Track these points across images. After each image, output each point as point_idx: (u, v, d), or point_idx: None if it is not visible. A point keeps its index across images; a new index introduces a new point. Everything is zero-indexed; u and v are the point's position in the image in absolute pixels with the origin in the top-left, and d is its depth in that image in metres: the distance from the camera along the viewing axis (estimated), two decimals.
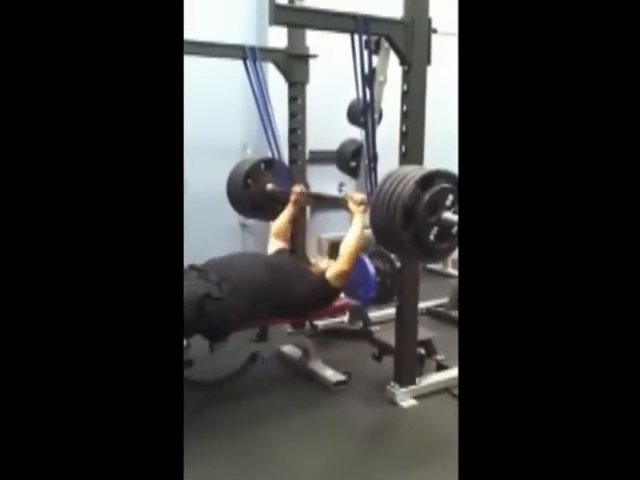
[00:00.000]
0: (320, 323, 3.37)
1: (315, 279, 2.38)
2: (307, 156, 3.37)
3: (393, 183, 1.86)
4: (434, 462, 2.14)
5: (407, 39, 2.33)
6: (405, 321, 2.63)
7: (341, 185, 3.84)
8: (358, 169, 3.38)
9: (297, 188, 2.79)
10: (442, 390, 2.70)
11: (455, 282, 3.82)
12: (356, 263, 2.37)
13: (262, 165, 3.05)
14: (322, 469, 2.12)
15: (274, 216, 2.86)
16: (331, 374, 2.80)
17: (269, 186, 3.04)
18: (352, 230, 2.35)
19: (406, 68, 2.40)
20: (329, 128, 3.58)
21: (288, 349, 3.11)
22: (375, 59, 2.78)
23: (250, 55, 2.92)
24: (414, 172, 1.87)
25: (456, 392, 2.61)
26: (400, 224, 1.81)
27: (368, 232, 2.52)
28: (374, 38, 2.52)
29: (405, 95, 2.42)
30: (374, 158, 2.51)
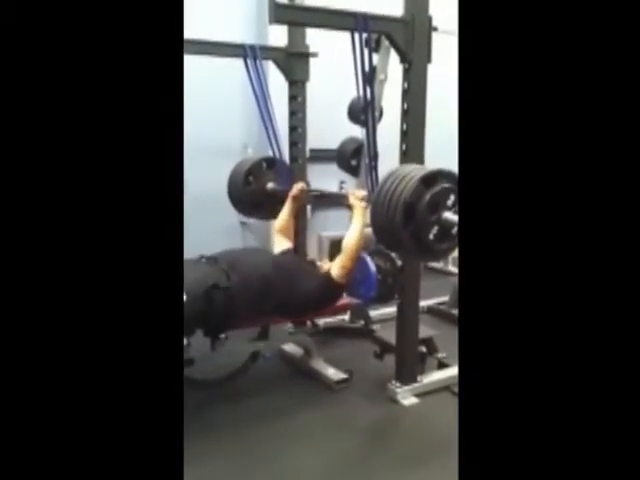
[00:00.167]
0: (321, 322, 3.37)
1: (319, 278, 2.38)
2: (307, 154, 3.36)
3: (394, 182, 1.86)
4: (435, 461, 2.14)
5: (407, 37, 2.33)
6: (406, 319, 2.63)
7: (342, 183, 3.85)
8: (359, 167, 3.38)
9: (298, 185, 2.81)
10: (443, 388, 2.71)
11: (456, 280, 3.82)
12: (358, 260, 2.38)
13: (264, 164, 3.05)
14: (323, 468, 2.12)
15: (274, 215, 2.86)
16: (332, 372, 2.81)
17: (270, 185, 3.04)
18: (353, 226, 2.35)
19: (406, 66, 2.39)
20: (329, 126, 3.58)
21: (289, 348, 3.12)
22: (375, 57, 2.78)
23: (250, 54, 2.92)
24: (416, 171, 1.87)
25: (457, 390, 2.61)
26: (400, 222, 1.82)
27: (368, 231, 2.52)
28: (374, 36, 2.52)
29: (405, 93, 2.42)
30: (375, 156, 2.51)
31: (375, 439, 2.37)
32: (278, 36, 3.27)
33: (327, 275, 2.36)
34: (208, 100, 3.75)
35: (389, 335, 2.75)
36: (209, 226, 3.82)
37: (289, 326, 3.25)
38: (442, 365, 2.84)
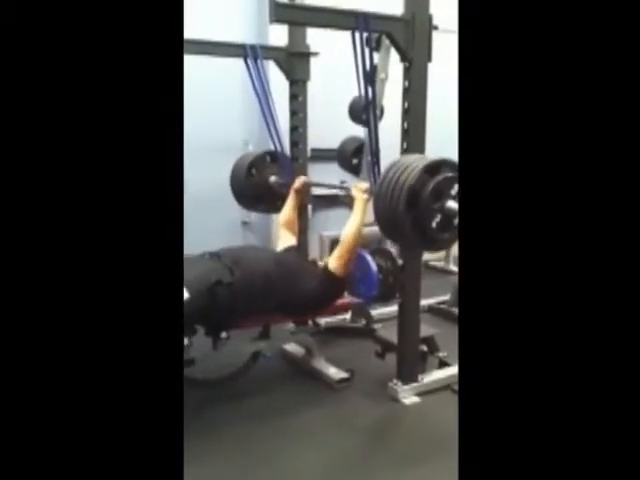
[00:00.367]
0: (322, 321, 3.37)
1: (319, 274, 2.38)
2: (308, 154, 3.36)
3: (398, 171, 1.87)
4: (436, 459, 2.14)
5: (408, 36, 2.33)
6: (407, 318, 2.63)
7: (342, 183, 3.83)
8: (359, 167, 3.38)
9: (300, 179, 2.82)
10: (444, 387, 2.70)
11: (456, 279, 3.81)
12: (357, 252, 2.38)
13: (267, 157, 3.07)
14: (324, 467, 2.12)
15: (275, 208, 2.89)
16: (334, 372, 2.81)
17: (272, 178, 3.05)
18: (353, 217, 2.35)
19: (407, 65, 2.39)
20: (330, 126, 3.58)
21: (291, 347, 3.12)
22: (376, 56, 2.77)
23: (251, 53, 2.92)
24: (419, 160, 1.89)
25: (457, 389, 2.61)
26: (403, 209, 1.82)
27: (369, 230, 2.53)
28: (375, 35, 2.52)
29: (406, 92, 2.42)
30: (376, 155, 2.51)
31: (376, 438, 2.37)
32: (279, 36, 3.27)
33: (325, 269, 2.36)
34: (208, 99, 3.76)
35: (390, 334, 2.75)
36: (210, 225, 3.83)
37: (290, 326, 3.25)
38: (443, 364, 2.84)
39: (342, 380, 2.75)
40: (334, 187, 2.88)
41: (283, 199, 2.88)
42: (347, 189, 2.54)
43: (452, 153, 1.78)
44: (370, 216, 2.14)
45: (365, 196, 2.36)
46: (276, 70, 3.21)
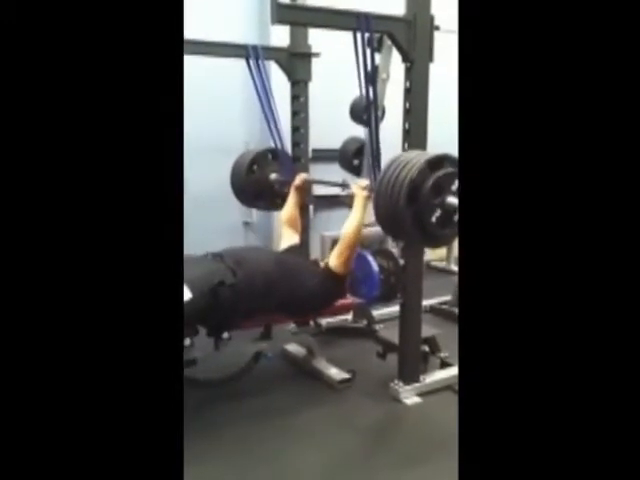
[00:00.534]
0: (324, 322, 3.37)
1: (320, 274, 2.38)
2: (310, 154, 3.37)
3: (398, 167, 1.88)
4: (437, 460, 2.14)
5: (409, 36, 2.33)
6: (409, 319, 2.63)
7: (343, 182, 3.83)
8: (361, 167, 3.38)
9: (301, 176, 2.82)
10: (446, 387, 2.70)
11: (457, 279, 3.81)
12: (359, 252, 2.38)
13: (269, 154, 3.08)
14: (325, 468, 2.12)
15: (275, 206, 2.89)
16: (335, 372, 2.80)
17: (273, 175, 3.06)
18: (353, 215, 2.35)
19: (408, 65, 2.39)
20: (332, 126, 3.57)
21: (292, 347, 3.12)
22: (377, 57, 2.77)
23: (253, 54, 2.92)
24: (420, 156, 1.89)
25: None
26: (404, 203, 1.82)
27: (369, 230, 2.53)
28: (376, 36, 2.51)
29: (408, 92, 2.42)
30: (377, 155, 2.51)
31: (377, 438, 2.37)
32: (280, 36, 3.27)
33: (326, 267, 2.36)
34: (208, 99, 3.75)
35: (392, 335, 2.75)
36: (212, 226, 3.83)
37: (292, 326, 3.25)
38: (445, 364, 2.84)
39: (343, 380, 2.75)
40: (334, 184, 2.88)
41: (283, 197, 2.89)
42: (347, 186, 2.54)
43: (453, 153, 1.79)
44: (371, 216, 2.14)
45: (365, 193, 2.36)
46: (277, 71, 3.21)
